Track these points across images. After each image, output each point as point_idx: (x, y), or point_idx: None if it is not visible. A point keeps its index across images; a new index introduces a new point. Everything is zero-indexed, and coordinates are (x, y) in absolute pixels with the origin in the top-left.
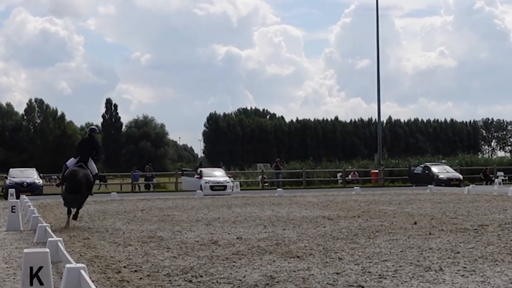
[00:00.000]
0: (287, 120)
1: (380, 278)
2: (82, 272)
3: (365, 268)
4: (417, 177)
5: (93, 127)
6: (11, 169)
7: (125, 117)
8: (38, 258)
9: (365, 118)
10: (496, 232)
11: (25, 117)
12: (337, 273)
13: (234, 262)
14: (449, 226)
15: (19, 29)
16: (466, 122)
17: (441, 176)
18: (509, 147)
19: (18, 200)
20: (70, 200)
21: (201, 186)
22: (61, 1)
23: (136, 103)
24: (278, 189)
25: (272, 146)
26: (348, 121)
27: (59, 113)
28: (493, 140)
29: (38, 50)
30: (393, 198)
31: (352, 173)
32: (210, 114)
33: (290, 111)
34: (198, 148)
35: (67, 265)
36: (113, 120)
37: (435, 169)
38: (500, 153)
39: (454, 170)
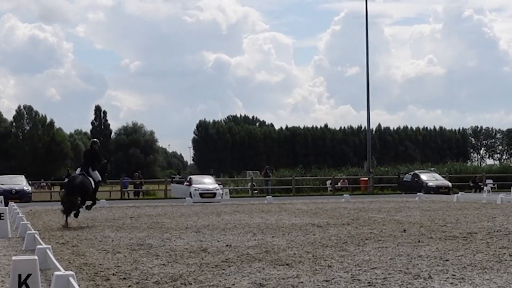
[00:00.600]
0: (277, 127)
1: (369, 285)
2: (71, 279)
3: (354, 275)
4: (406, 184)
5: (95, 139)
6: None
7: (114, 124)
8: (26, 265)
9: (355, 126)
10: (485, 240)
11: (14, 124)
12: (327, 281)
13: (223, 269)
14: (438, 233)
15: (8, 36)
16: (455, 130)
17: (430, 183)
18: (498, 155)
19: (6, 207)
20: (65, 202)
21: (190, 193)
22: (50, 8)
23: (126, 110)
24: (267, 197)
25: (261, 153)
26: (337, 128)
27: (48, 120)
28: (482, 148)
29: (27, 57)
30: (382, 205)
31: (341, 180)
32: (200, 121)
33: (280, 118)
34: (188, 155)
35: (56, 273)
36: (102, 127)
37: (424, 176)
38: (489, 161)
39: (443, 178)
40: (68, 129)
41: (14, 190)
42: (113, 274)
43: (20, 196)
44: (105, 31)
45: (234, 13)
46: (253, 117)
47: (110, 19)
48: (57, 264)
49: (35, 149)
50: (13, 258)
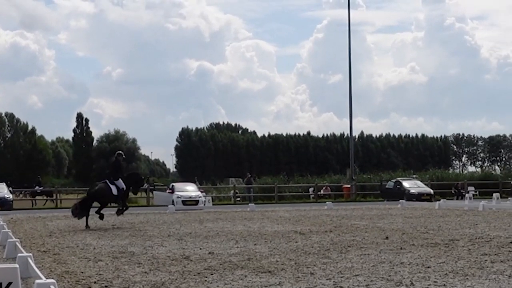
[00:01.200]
0: (259, 135)
1: None
2: (52, 287)
3: (337, 283)
4: (389, 192)
5: (120, 152)
6: None
7: (96, 132)
8: (7, 273)
9: (337, 133)
10: (466, 247)
11: None
12: None
13: (206, 277)
14: (420, 240)
15: None
16: (437, 137)
17: (412, 191)
18: (480, 162)
19: None
20: (75, 205)
21: (173, 201)
22: (32, 15)
23: (108, 117)
24: (250, 204)
25: (244, 161)
26: (320, 136)
27: (29, 128)
28: (464, 155)
29: (9, 64)
30: (365, 213)
31: (324, 188)
32: (182, 128)
33: (262, 126)
34: (170, 163)
35: (37, 281)
36: (84, 134)
37: (406, 184)
38: (471, 168)
39: (425, 185)
40: (50, 137)
41: None
42: (95, 282)
43: (1, 204)
44: (87, 39)
45: (217, 21)
46: (235, 124)
47: (92, 26)
48: (38, 272)
49: (17, 156)
50: None
